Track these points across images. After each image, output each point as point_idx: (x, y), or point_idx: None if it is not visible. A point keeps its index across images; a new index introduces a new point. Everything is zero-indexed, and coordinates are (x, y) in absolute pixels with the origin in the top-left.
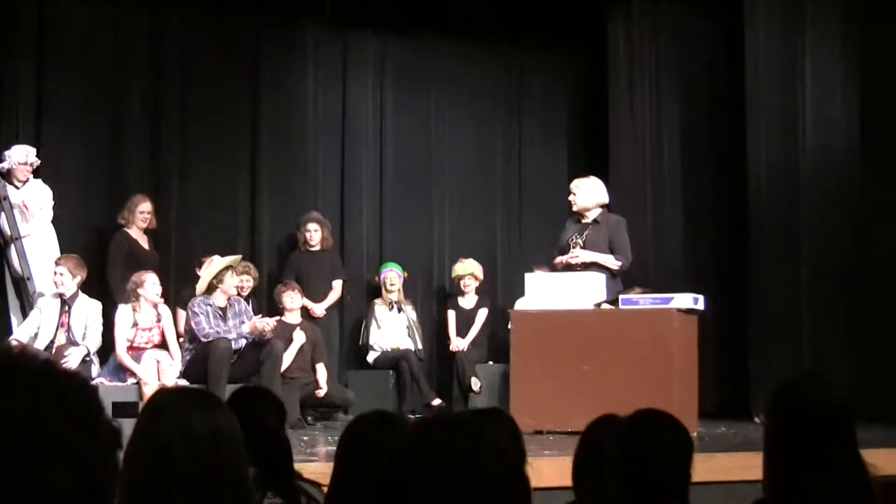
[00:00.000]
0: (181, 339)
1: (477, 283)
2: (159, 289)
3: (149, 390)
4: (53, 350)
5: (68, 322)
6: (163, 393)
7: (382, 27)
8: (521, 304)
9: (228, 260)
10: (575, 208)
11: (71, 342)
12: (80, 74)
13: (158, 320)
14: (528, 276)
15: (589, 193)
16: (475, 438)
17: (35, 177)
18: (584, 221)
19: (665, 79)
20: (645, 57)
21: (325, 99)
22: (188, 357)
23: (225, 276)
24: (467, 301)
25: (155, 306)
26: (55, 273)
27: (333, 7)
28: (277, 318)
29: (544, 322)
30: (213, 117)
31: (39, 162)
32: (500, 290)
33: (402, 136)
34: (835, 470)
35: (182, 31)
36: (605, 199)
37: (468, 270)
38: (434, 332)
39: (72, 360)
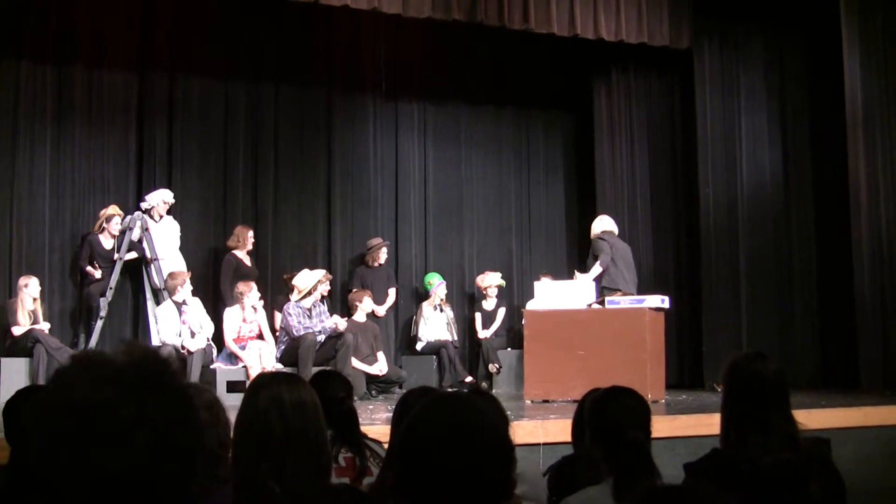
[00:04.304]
0: (276, 334)
1: (497, 291)
2: (258, 295)
3: (253, 372)
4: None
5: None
6: (262, 375)
7: (424, 98)
8: (531, 305)
9: (321, 274)
10: None
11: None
12: (200, 135)
13: (260, 319)
14: (536, 284)
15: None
16: (468, 407)
17: (168, 214)
18: None
19: (636, 131)
20: (621, 115)
21: (382, 151)
22: (283, 347)
23: (318, 286)
24: (489, 304)
25: (254, 308)
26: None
27: (388, 84)
28: (348, 317)
29: (549, 318)
30: (298, 166)
31: (173, 202)
32: (515, 293)
33: (439, 179)
34: (773, 427)
35: (275, 100)
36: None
37: (492, 282)
38: (465, 327)
39: (193, 346)
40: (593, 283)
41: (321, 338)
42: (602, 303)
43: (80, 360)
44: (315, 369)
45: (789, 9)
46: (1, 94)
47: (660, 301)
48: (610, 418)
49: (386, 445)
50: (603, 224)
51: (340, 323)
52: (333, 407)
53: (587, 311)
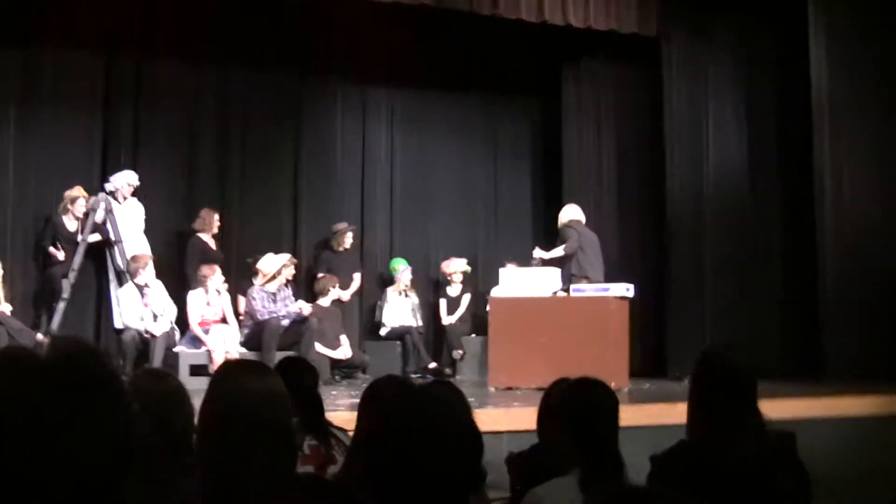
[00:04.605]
0: (241, 318)
1: (462, 277)
2: (222, 278)
3: (216, 356)
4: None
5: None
6: (227, 363)
7: (392, 83)
8: (496, 292)
9: (286, 258)
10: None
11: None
12: (167, 118)
13: (224, 302)
14: (501, 270)
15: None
16: (437, 398)
17: (133, 196)
18: None
19: (604, 118)
20: (590, 102)
21: (349, 136)
22: (247, 331)
23: (283, 270)
24: (454, 290)
25: (218, 292)
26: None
27: (355, 68)
28: (312, 301)
29: (514, 305)
30: (265, 150)
31: (138, 184)
32: (480, 280)
33: (406, 164)
34: (742, 419)
35: (242, 84)
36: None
37: (457, 268)
38: (429, 313)
39: (157, 330)
40: (558, 271)
41: (285, 322)
42: (567, 290)
43: (6, 356)
44: (279, 354)
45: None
46: None
47: (625, 290)
48: (578, 409)
49: (351, 433)
50: (570, 213)
51: (305, 307)
52: (299, 394)
53: (552, 298)
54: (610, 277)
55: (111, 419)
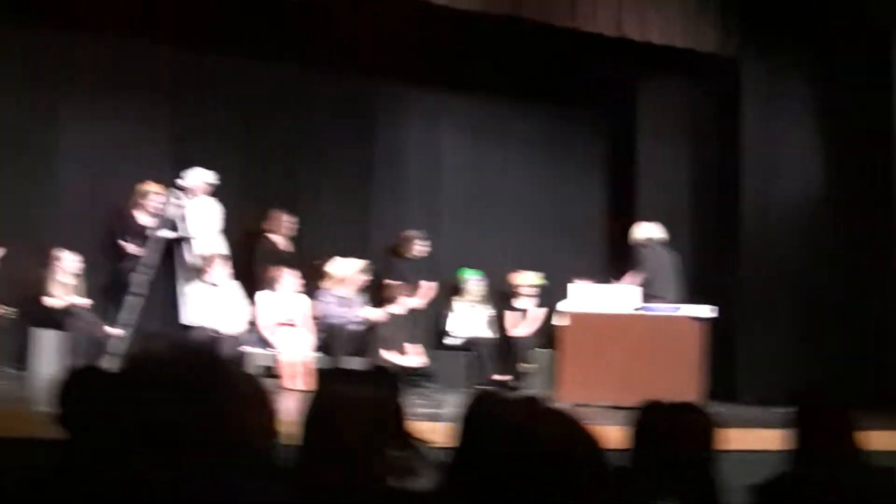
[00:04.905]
0: (311, 322)
1: (532, 290)
2: (296, 281)
3: (283, 359)
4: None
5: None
6: (327, 371)
7: (465, 91)
8: (563, 306)
9: (358, 263)
10: None
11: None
12: (240, 120)
13: (293, 305)
14: (570, 286)
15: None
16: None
17: (210, 195)
18: None
19: (679, 136)
20: (665, 118)
21: (422, 143)
22: (316, 335)
23: (355, 276)
24: (523, 302)
25: (291, 295)
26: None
27: (430, 75)
28: (382, 308)
29: (588, 321)
30: (338, 153)
31: (215, 183)
32: (546, 293)
33: (478, 174)
34: (848, 452)
35: (317, 85)
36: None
37: (527, 281)
38: (497, 325)
39: (225, 330)
40: (638, 290)
41: (354, 328)
42: (642, 309)
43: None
44: (350, 360)
45: (839, 20)
46: (45, 66)
47: (700, 310)
48: (673, 435)
49: (431, 445)
50: (646, 231)
51: (375, 314)
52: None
53: (627, 316)
54: (685, 298)
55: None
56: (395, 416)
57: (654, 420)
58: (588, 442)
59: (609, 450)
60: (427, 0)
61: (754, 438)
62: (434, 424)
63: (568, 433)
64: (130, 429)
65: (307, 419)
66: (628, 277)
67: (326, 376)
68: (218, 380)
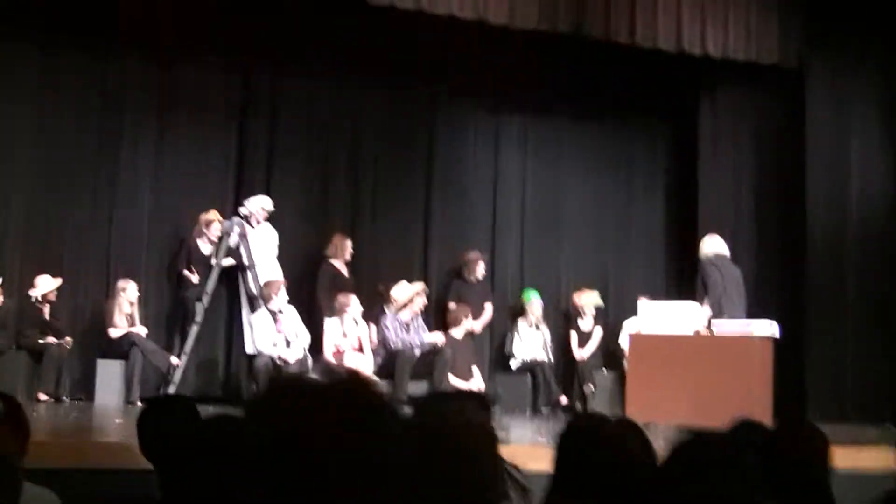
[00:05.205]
0: (374, 346)
1: (595, 310)
2: (360, 308)
3: None
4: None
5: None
6: (420, 398)
7: (525, 109)
8: (630, 324)
9: (419, 286)
10: None
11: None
12: (300, 143)
13: (358, 330)
14: (640, 303)
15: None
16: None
17: (266, 220)
18: None
19: (742, 148)
20: (728, 131)
21: (481, 162)
22: (379, 360)
23: (416, 299)
24: (586, 323)
25: (356, 321)
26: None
27: (490, 94)
28: (445, 331)
29: (655, 342)
30: (398, 175)
31: (272, 209)
32: (611, 312)
33: (538, 192)
34: None
35: (376, 106)
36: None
37: (589, 301)
38: (558, 345)
39: (290, 357)
40: (701, 307)
41: (418, 352)
42: (709, 327)
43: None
44: (412, 384)
45: None
46: (108, 91)
47: (769, 327)
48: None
49: (521, 469)
50: (712, 246)
51: (439, 338)
52: None
53: (693, 336)
54: (749, 313)
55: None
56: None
57: (759, 438)
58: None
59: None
60: (486, 19)
61: (865, 456)
62: (531, 448)
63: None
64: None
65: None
66: (699, 298)
67: (425, 401)
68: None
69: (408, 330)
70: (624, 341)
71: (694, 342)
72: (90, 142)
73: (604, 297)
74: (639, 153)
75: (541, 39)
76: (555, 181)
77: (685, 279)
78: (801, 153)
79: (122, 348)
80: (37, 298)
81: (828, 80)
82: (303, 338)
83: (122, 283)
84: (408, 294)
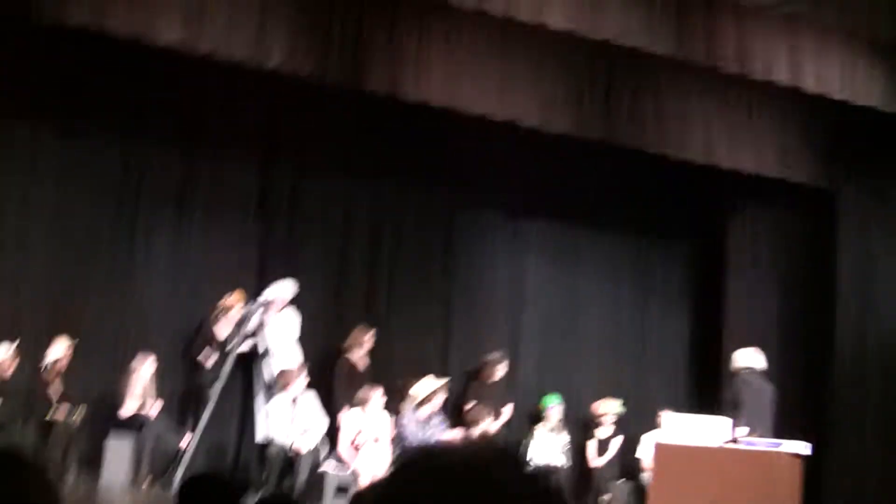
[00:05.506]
0: (391, 441)
1: (614, 418)
2: (382, 402)
3: (362, 479)
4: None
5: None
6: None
7: (546, 217)
8: (649, 437)
9: (442, 382)
10: None
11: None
12: (318, 239)
13: (376, 423)
14: (664, 415)
15: None
16: None
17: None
18: None
19: (770, 267)
20: (755, 249)
21: (502, 268)
22: (396, 455)
23: (438, 395)
24: (603, 431)
25: (375, 413)
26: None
27: (511, 199)
28: (465, 431)
29: (680, 453)
30: (415, 272)
31: (294, 295)
32: (629, 423)
33: (557, 299)
34: None
35: (394, 203)
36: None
37: (609, 409)
38: (577, 453)
39: (304, 447)
40: (727, 420)
41: None
42: (736, 441)
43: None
44: None
45: None
46: (126, 178)
47: (799, 447)
48: None
49: None
50: (746, 359)
51: (457, 436)
52: None
53: (720, 449)
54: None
55: None
56: None
57: None
58: None
59: None
60: (519, 121)
61: None
62: None
63: None
64: None
65: None
66: (726, 410)
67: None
68: None
69: (426, 427)
70: (642, 453)
71: (721, 454)
72: (107, 225)
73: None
74: (658, 266)
75: (568, 146)
76: (574, 288)
77: (707, 395)
78: (829, 274)
79: (133, 426)
80: (47, 367)
81: (858, 201)
82: (318, 426)
83: (136, 362)
84: (430, 388)
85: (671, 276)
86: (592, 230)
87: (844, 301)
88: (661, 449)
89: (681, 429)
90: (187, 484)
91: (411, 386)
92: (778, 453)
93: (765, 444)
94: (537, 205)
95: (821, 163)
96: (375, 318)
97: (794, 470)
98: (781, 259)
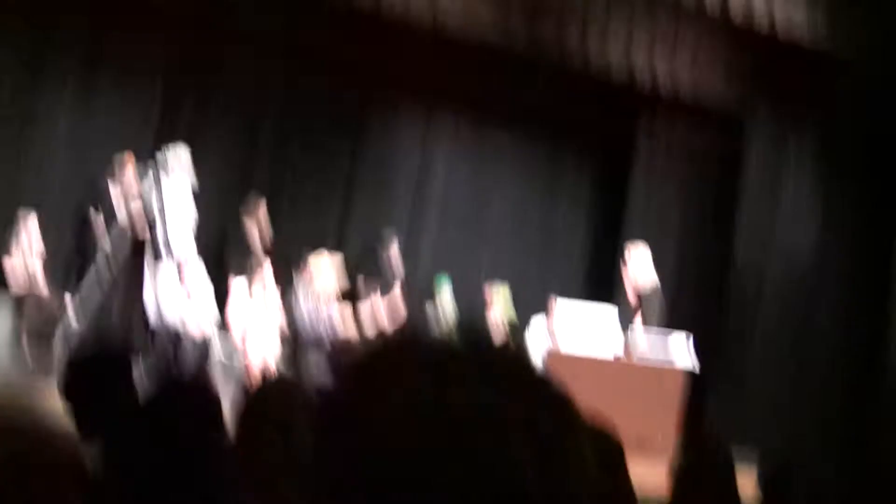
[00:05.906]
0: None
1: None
2: (272, 272)
3: (253, 365)
4: None
5: None
6: None
7: (462, 115)
8: (538, 322)
9: (336, 258)
10: None
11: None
12: (230, 110)
13: (267, 303)
14: (557, 301)
15: None
16: None
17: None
18: None
19: (677, 184)
20: (663, 166)
21: (411, 156)
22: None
23: (328, 271)
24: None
25: (267, 291)
26: None
27: (425, 95)
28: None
29: (569, 364)
30: (322, 153)
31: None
32: (524, 305)
33: (463, 191)
34: None
35: (308, 91)
36: None
37: (503, 311)
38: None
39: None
40: (615, 311)
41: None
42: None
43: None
44: None
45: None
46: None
47: (687, 362)
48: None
49: None
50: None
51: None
52: None
53: (608, 362)
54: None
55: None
56: None
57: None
58: None
59: None
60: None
61: None
62: None
63: None
64: None
65: None
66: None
67: None
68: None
69: (317, 302)
70: (530, 340)
71: (610, 367)
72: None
73: (516, 292)
74: (571, 171)
75: (491, 51)
76: (481, 185)
77: (603, 288)
78: (732, 195)
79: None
80: None
81: (766, 126)
82: (205, 295)
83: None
84: (324, 264)
85: (580, 182)
86: (507, 133)
87: (747, 217)
88: (552, 357)
89: (570, 315)
90: (72, 366)
91: (306, 260)
92: (664, 369)
93: (656, 344)
94: (454, 102)
95: (735, 88)
96: (277, 190)
97: (677, 384)
98: (689, 177)
